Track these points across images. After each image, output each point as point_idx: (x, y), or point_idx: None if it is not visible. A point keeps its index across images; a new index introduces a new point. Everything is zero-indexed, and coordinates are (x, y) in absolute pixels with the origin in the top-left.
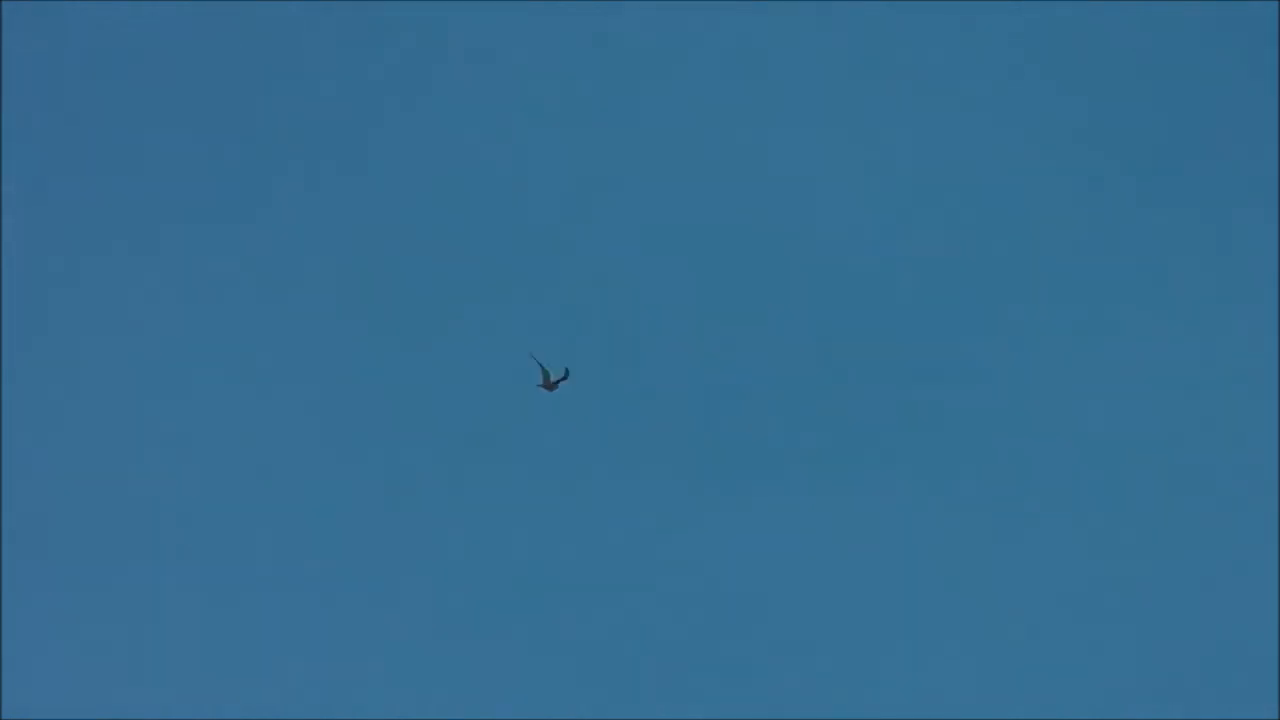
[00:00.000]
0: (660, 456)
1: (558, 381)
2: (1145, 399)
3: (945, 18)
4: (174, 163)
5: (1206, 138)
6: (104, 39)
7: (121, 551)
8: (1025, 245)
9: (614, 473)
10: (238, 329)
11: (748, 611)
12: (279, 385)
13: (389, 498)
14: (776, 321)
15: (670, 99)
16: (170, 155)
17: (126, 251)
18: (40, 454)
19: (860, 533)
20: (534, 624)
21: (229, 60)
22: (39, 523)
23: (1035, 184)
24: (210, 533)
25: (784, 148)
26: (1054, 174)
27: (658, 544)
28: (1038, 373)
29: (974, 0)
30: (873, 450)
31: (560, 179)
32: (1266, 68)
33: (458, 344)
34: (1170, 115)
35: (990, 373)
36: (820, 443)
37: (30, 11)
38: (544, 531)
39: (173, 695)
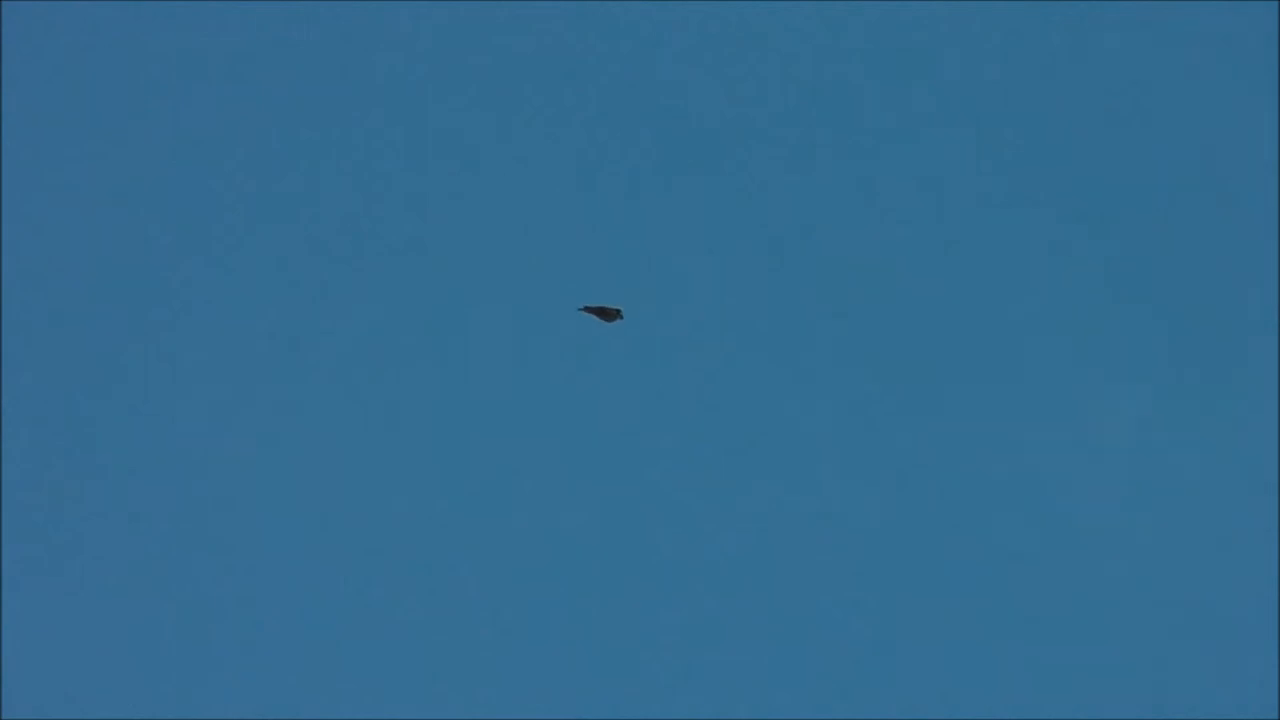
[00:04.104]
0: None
1: (607, 311)
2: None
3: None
4: (173, 165)
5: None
6: (104, 39)
7: (122, 551)
8: None
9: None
10: (241, 328)
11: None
12: (284, 385)
13: (389, 494)
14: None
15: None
16: (169, 158)
17: (126, 251)
18: (41, 453)
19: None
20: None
21: (233, 59)
22: (39, 522)
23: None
24: (213, 531)
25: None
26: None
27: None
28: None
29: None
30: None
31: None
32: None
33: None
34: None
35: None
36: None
37: (30, 11)
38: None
39: (173, 695)
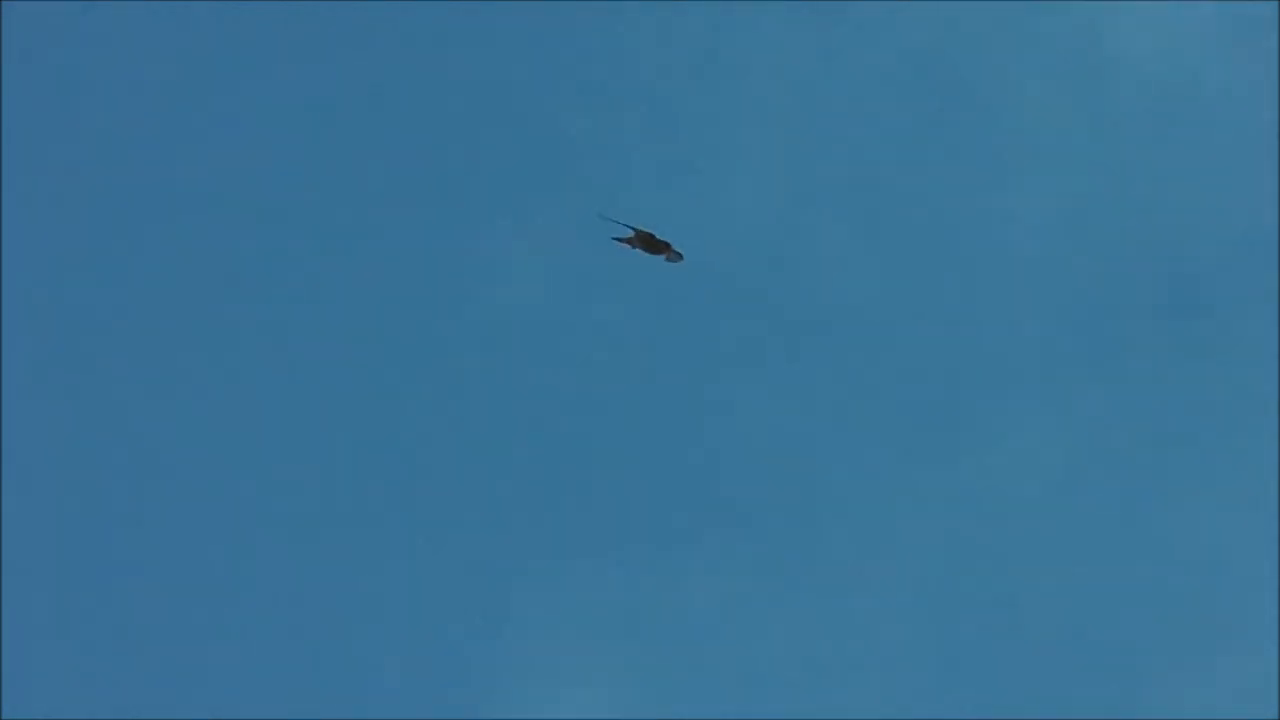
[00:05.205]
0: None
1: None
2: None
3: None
4: (174, 166)
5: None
6: (105, 39)
7: (122, 550)
8: None
9: None
10: (238, 324)
11: None
12: (284, 383)
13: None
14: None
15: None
16: (170, 159)
17: (127, 254)
18: (40, 453)
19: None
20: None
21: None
22: (39, 521)
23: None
24: (214, 529)
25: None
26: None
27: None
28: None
29: None
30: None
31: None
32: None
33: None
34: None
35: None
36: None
37: (30, 12)
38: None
39: (174, 695)
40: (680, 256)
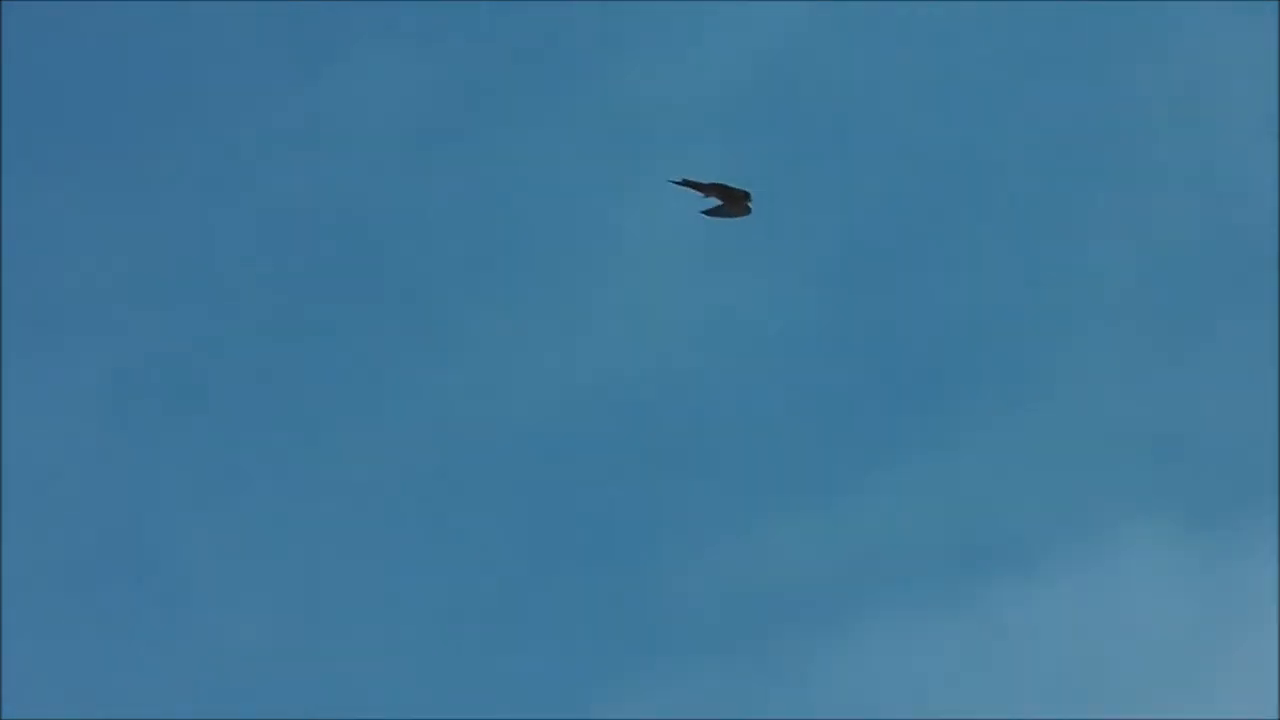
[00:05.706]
0: None
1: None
2: None
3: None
4: (174, 166)
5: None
6: (106, 38)
7: (122, 550)
8: None
9: None
10: (235, 326)
11: None
12: (282, 385)
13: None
14: None
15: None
16: (169, 159)
17: (126, 255)
18: (40, 453)
19: None
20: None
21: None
22: (39, 522)
23: None
24: (214, 528)
25: None
26: None
27: None
28: None
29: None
30: None
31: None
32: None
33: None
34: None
35: None
36: None
37: (30, 12)
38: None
39: (174, 695)
40: (749, 211)
